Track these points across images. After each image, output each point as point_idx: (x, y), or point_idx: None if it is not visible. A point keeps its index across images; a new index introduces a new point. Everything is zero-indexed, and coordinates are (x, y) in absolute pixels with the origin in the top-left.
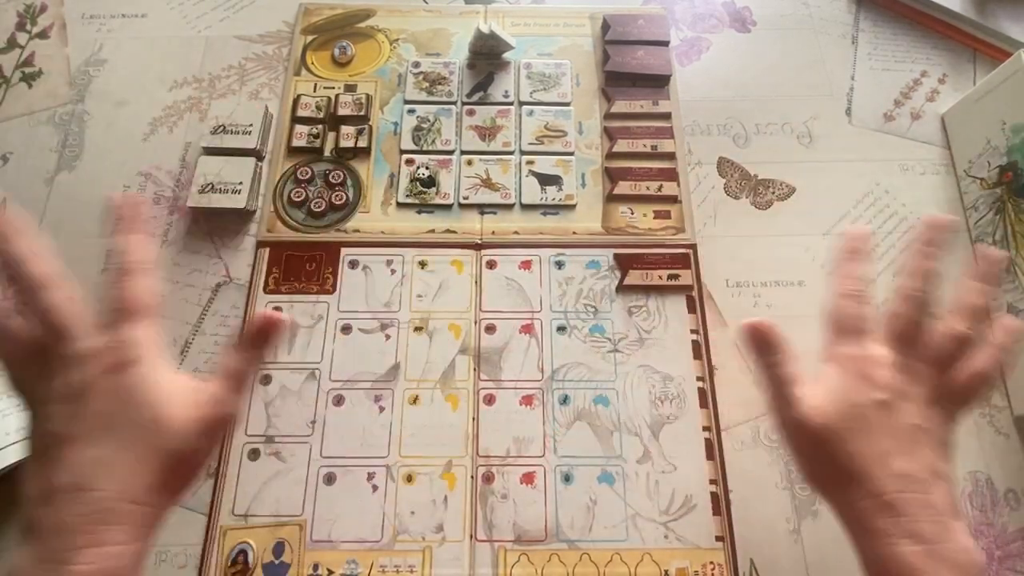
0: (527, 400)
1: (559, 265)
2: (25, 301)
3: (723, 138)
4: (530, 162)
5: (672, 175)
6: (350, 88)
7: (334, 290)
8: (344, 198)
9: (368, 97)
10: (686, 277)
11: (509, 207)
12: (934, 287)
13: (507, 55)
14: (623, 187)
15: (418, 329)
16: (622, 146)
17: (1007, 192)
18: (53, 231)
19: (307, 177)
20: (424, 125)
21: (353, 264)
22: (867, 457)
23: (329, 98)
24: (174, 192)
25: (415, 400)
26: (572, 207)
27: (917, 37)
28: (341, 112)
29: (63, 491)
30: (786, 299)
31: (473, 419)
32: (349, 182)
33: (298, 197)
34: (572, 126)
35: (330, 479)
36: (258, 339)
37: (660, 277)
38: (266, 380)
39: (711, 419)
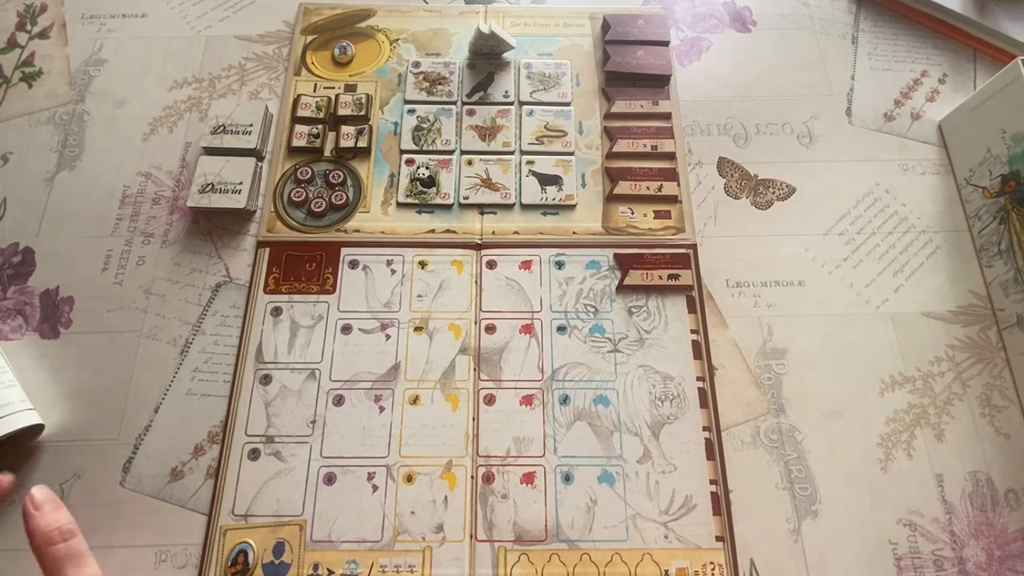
0: (527, 400)
1: (559, 265)
2: None
3: (723, 138)
4: (530, 162)
5: (672, 175)
6: (350, 88)
7: (334, 290)
8: (344, 198)
9: (368, 97)
10: (686, 277)
11: (509, 207)
12: None
13: (507, 55)
14: (623, 187)
15: (418, 329)
16: (622, 146)
17: (1011, 202)
18: (53, 231)
19: (307, 177)
20: (424, 125)
21: (353, 264)
22: None
23: (329, 98)
24: (174, 192)
25: (415, 400)
26: (572, 207)
27: (917, 37)
28: (341, 112)
29: None
30: (786, 299)
31: (473, 419)
32: (349, 182)
33: (298, 197)
34: (572, 126)
35: (330, 479)
36: None
37: (660, 277)
38: (266, 380)
39: (711, 419)
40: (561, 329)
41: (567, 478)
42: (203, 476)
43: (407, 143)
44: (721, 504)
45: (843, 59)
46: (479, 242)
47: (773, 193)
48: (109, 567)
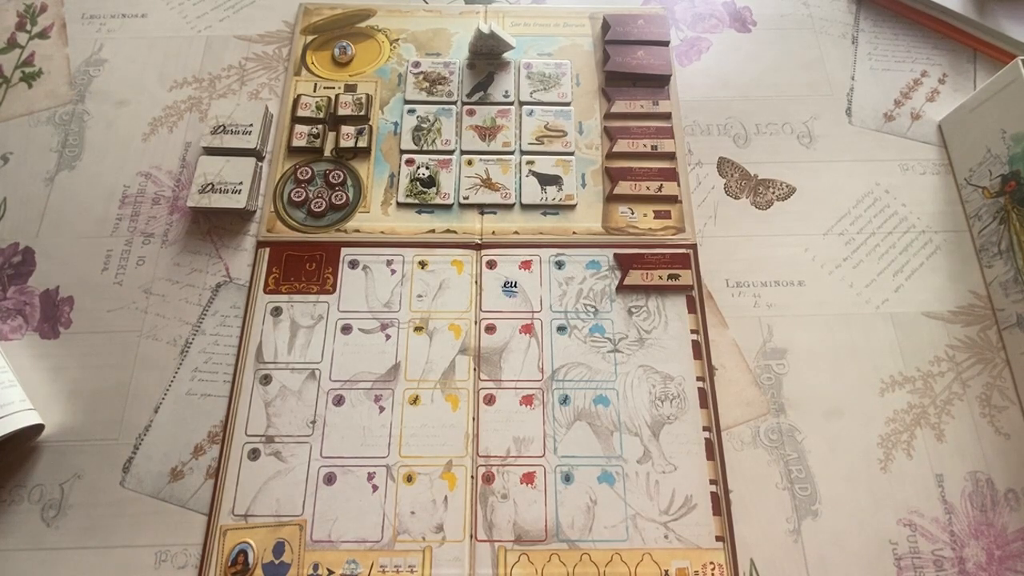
0: (527, 400)
1: (559, 265)
2: None
3: (723, 138)
4: (530, 162)
5: (672, 175)
6: (350, 88)
7: (334, 290)
8: (344, 198)
9: (368, 97)
10: (686, 277)
11: (509, 207)
12: None
13: (507, 55)
14: (623, 187)
15: (418, 329)
16: (622, 146)
17: (1011, 202)
18: (53, 231)
19: (307, 177)
20: (424, 125)
21: (353, 264)
22: None
23: (329, 98)
24: (174, 192)
25: (415, 400)
26: (572, 207)
27: (917, 37)
28: (341, 112)
29: None
30: (786, 299)
31: (473, 419)
32: (349, 182)
33: (298, 197)
34: (572, 126)
35: (330, 479)
36: None
37: (660, 277)
38: (266, 380)
39: (711, 419)
40: (561, 329)
41: (567, 478)
42: (203, 476)
43: (407, 143)
44: (721, 504)
45: (843, 59)
46: (479, 242)
47: (773, 193)
48: (109, 567)
